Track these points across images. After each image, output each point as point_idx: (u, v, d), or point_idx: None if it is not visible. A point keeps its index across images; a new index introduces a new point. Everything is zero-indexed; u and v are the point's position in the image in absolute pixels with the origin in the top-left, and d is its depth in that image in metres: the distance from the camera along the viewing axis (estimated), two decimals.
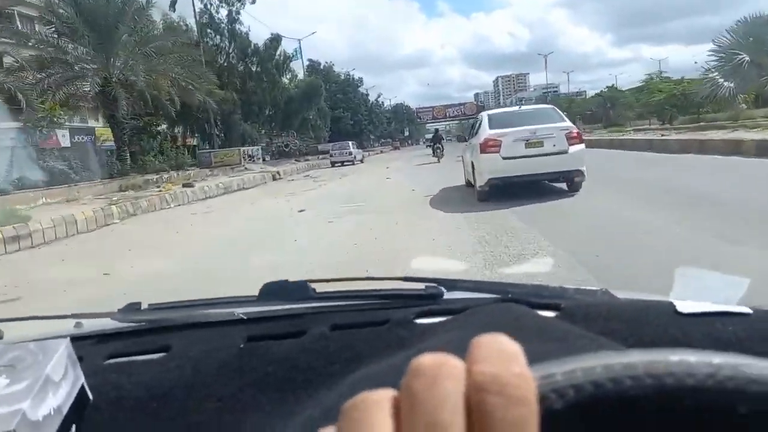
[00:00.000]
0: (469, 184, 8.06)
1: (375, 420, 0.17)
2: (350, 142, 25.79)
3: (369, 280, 0.73)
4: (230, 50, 27.46)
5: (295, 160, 26.58)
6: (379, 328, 0.54)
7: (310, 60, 50.00)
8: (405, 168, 16.40)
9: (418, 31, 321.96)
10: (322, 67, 50.53)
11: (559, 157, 5.97)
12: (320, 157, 29.51)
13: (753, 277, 0.61)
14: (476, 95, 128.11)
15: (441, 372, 0.17)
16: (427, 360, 0.18)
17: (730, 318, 0.42)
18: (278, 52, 28.67)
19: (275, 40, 28.58)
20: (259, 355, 0.51)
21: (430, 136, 42.68)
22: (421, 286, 0.64)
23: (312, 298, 0.64)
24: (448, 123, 74.84)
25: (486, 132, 6.47)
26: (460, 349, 0.40)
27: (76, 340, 0.50)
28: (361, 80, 53.27)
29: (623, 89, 41.88)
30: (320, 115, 35.34)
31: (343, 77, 51.29)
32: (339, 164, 22.30)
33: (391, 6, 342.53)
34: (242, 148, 22.65)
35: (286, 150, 32.07)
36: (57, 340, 0.45)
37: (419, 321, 0.55)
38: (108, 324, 0.64)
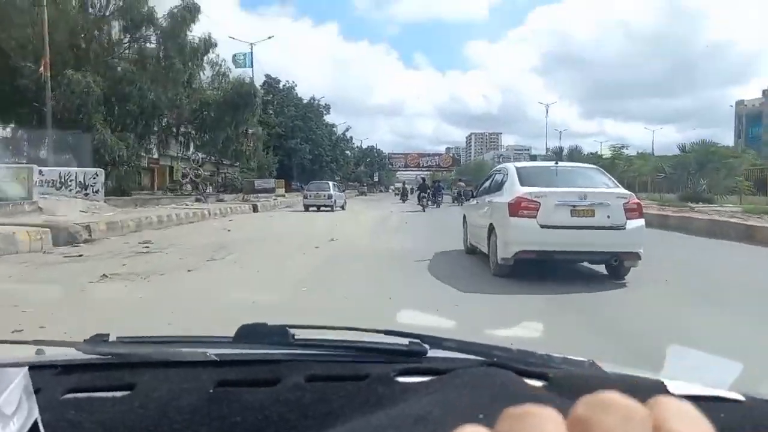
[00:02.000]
0: (472, 251, 7.77)
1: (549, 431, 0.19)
2: (330, 183, 24.04)
3: (350, 331, 0.80)
4: (105, 11, 21.17)
5: (196, 199, 21.64)
6: (358, 383, 0.60)
7: (267, 76, 49.89)
8: (376, 242, 9.94)
9: (395, 80, 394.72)
10: (281, 86, 50.55)
11: (613, 233, 5.51)
12: (246, 197, 25.17)
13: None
14: (448, 149, 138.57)
15: (635, 415, 0.19)
16: (619, 399, 0.19)
17: (723, 403, 0.47)
18: (192, 33, 22.37)
19: (188, 9, 21.85)
20: (230, 401, 0.56)
21: (399, 185, 43.42)
22: (404, 341, 0.70)
23: (290, 344, 0.70)
24: (420, 173, 79.96)
25: (517, 189, 5.97)
26: (445, 413, 0.46)
27: (35, 368, 0.54)
28: (327, 108, 52.56)
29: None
30: (252, 138, 28.98)
31: (306, 101, 51.06)
32: (314, 209, 20.90)
33: (371, 52, 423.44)
34: (41, 169, 14.47)
35: (196, 180, 25.43)
36: (14, 369, 0.49)
37: (400, 379, 0.61)
38: (71, 354, 0.67)
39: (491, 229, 6.29)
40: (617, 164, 32.45)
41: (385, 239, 10.52)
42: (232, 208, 18.86)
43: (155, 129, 24.44)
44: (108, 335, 0.73)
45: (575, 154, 48.16)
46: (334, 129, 55.66)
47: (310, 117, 48.97)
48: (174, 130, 26.24)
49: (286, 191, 41.85)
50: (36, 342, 0.74)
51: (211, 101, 24.45)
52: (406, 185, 35.53)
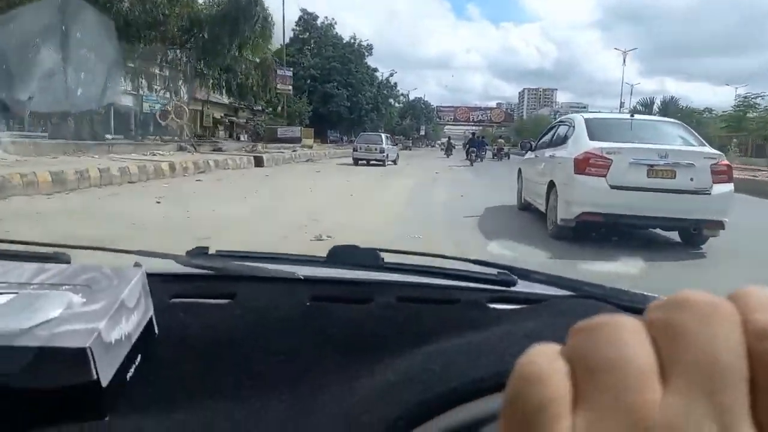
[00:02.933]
0: (525, 207, 7.91)
1: (629, 340, 0.19)
2: (383, 135, 23.67)
3: (439, 258, 0.86)
4: None
5: (179, 147, 17.94)
6: (449, 306, 0.66)
7: (303, 11, 48.98)
8: None
9: (445, 31, 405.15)
10: (319, 23, 49.84)
11: (696, 198, 5.30)
12: (254, 147, 22.58)
13: None
14: (499, 104, 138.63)
15: (717, 310, 0.19)
16: (697, 295, 0.19)
17: None
18: None
19: None
20: (325, 315, 0.63)
21: (445, 140, 43.77)
22: (493, 270, 0.76)
23: (380, 268, 0.77)
24: (469, 127, 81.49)
25: (585, 143, 5.79)
26: (553, 333, 0.50)
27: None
28: (369, 49, 51.06)
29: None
30: (260, 68, 23.67)
31: (345, 41, 49.70)
32: (364, 162, 21.24)
33: (421, 1, 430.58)
34: None
35: (179, 121, 20.63)
36: (133, 269, 0.57)
37: (492, 306, 0.66)
38: (172, 265, 0.76)
39: (551, 186, 6.17)
40: (747, 119, 28.38)
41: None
42: (220, 161, 14.73)
43: (134, 54, 19.05)
44: (207, 248, 0.82)
45: (670, 108, 40.95)
46: (377, 74, 53.48)
47: (349, 58, 47.71)
48: (158, 56, 21.08)
49: (322, 142, 40.85)
50: (140, 252, 0.81)
51: (203, 17, 19.71)
52: (451, 140, 37.93)
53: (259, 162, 17.21)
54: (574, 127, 6.34)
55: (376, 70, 52.62)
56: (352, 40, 50.25)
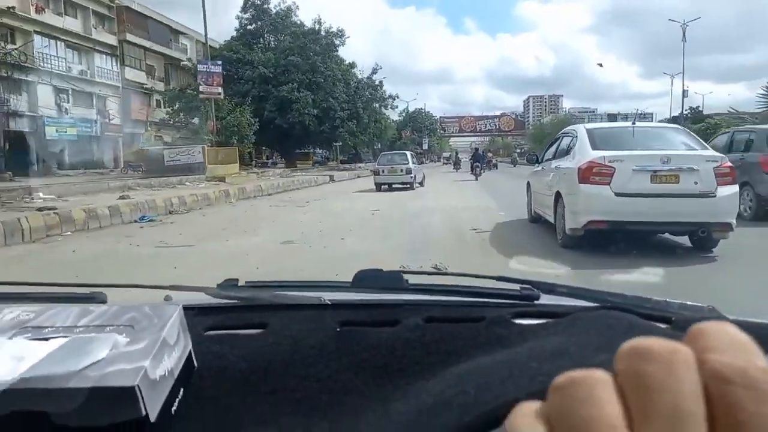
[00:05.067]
0: (536, 220, 9.93)
1: (601, 398, 0.27)
2: (408, 153, 26.62)
3: (462, 277, 1.17)
4: None
5: None
6: (475, 324, 0.84)
7: None
8: None
9: (443, 46, 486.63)
10: (273, 8, 46.23)
11: (701, 202, 6.92)
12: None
13: None
14: (503, 115, 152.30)
15: (676, 358, 0.28)
16: (658, 344, 0.28)
17: None
18: None
19: None
20: (356, 339, 0.81)
21: (447, 154, 52.71)
22: (515, 286, 1.01)
23: (405, 290, 1.03)
24: (476, 138, 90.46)
25: (588, 153, 7.53)
26: (580, 348, 0.76)
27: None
28: (340, 36, 46.89)
29: None
30: None
31: (308, 28, 46.21)
32: (386, 187, 23.55)
33: (419, 18, 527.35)
34: None
35: None
36: (171, 306, 0.77)
37: (517, 321, 0.85)
38: (203, 298, 1.04)
39: (558, 196, 7.92)
40: None
41: None
42: None
43: None
44: (237, 280, 1.09)
45: None
46: (354, 71, 50.03)
47: (313, 49, 44.09)
48: None
49: (287, 166, 39.70)
50: (172, 287, 1.09)
51: None
52: (458, 154, 50.20)
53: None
54: (576, 137, 8.18)
55: (353, 66, 49.01)
56: (317, 25, 47.04)
